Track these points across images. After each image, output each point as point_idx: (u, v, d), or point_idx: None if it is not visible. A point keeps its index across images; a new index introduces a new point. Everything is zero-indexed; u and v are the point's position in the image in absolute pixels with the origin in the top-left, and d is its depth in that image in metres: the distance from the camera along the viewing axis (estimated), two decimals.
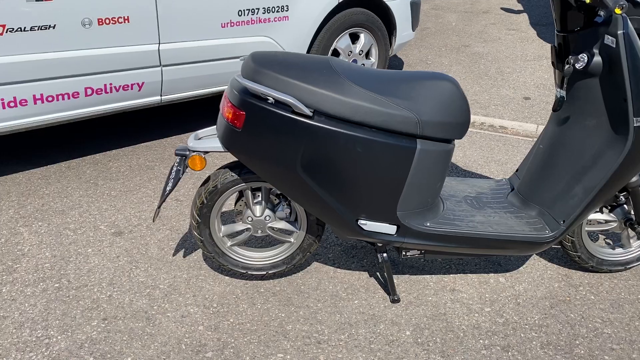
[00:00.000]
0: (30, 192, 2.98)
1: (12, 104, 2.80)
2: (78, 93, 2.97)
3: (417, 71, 2.05)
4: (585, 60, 1.92)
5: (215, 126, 2.13)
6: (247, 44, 3.43)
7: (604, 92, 1.96)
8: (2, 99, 2.77)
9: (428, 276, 2.39)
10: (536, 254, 2.53)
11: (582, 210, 2.07)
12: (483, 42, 5.62)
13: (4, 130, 2.85)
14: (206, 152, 2.03)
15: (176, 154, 2.05)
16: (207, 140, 2.05)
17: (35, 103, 2.86)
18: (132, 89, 3.13)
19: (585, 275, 2.41)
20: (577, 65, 1.94)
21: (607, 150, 1.99)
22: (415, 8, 4.29)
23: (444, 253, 2.17)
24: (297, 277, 2.37)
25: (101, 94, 3.05)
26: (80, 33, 2.86)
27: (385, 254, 2.19)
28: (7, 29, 2.67)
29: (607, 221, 2.31)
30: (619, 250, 2.39)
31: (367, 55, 4.10)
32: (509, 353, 2.01)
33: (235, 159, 2.20)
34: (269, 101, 1.88)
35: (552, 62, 2.09)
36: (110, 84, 3.05)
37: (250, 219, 2.19)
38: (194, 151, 2.02)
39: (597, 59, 1.91)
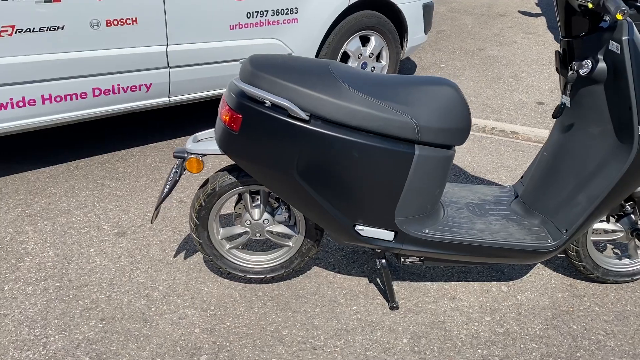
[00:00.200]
0: (38, 190, 3.01)
1: (20, 104, 2.84)
2: (86, 93, 3.00)
3: (418, 76, 2.02)
4: (590, 67, 1.88)
5: (214, 129, 2.13)
6: (256, 46, 3.42)
7: (608, 99, 1.91)
8: (11, 99, 2.80)
9: (429, 283, 2.36)
10: (541, 263, 2.48)
11: (585, 220, 2.02)
12: (498, 46, 5.56)
13: (13, 130, 2.89)
14: (204, 155, 2.03)
15: (174, 156, 2.05)
16: (205, 142, 2.05)
17: (43, 103, 2.89)
18: (139, 89, 3.15)
19: (591, 285, 2.36)
20: (581, 72, 1.90)
21: (612, 159, 1.94)
22: (427, 11, 4.25)
23: (443, 260, 2.14)
24: (297, 282, 2.36)
25: (109, 94, 3.07)
26: (89, 34, 2.88)
27: (384, 260, 2.17)
28: (17, 30, 2.70)
29: (613, 231, 2.26)
30: (625, 260, 2.33)
31: (378, 58, 4.08)
32: None
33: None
34: (266, 105, 1.87)
35: (556, 68, 2.04)
36: (118, 84, 3.08)
37: (248, 222, 2.18)
38: (191, 153, 2.01)
39: (602, 65, 1.87)
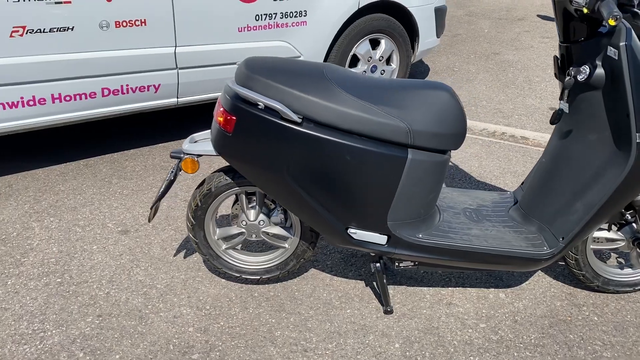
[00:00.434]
0: (47, 188, 3.07)
1: (31, 103, 2.90)
2: (95, 93, 3.05)
3: (414, 80, 2.02)
4: (587, 72, 1.85)
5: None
6: (264, 49, 3.45)
7: (606, 106, 1.88)
8: (22, 98, 2.87)
9: (425, 288, 2.35)
10: (541, 271, 2.45)
11: (582, 228, 1.99)
12: (514, 50, 5.50)
13: (23, 128, 2.95)
14: (199, 156, 2.05)
15: (171, 156, 2.08)
16: (201, 143, 2.08)
17: (53, 102, 2.95)
18: (148, 90, 3.20)
19: (591, 295, 2.32)
20: (579, 77, 1.87)
21: (609, 167, 1.91)
22: (440, 14, 4.23)
23: (438, 265, 2.13)
24: (293, 283, 2.37)
25: (118, 94, 3.12)
26: (98, 35, 2.93)
27: (378, 264, 2.16)
28: (28, 30, 2.77)
29: (614, 240, 2.22)
30: (627, 270, 2.29)
31: (388, 61, 4.07)
32: None
33: None
34: (259, 107, 1.88)
35: (555, 74, 2.02)
36: (127, 85, 3.12)
37: (244, 223, 2.20)
38: (187, 154, 2.04)
39: (600, 71, 1.84)
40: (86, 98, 3.04)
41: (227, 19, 3.27)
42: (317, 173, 1.90)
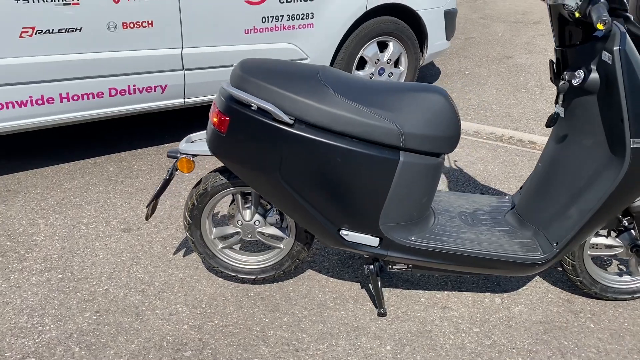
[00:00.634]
0: (54, 185, 3.14)
1: (39, 102, 2.96)
2: (102, 93, 3.10)
3: (409, 83, 2.02)
4: (582, 77, 1.84)
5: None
6: (271, 50, 3.47)
7: (601, 110, 1.86)
8: (31, 97, 2.93)
9: (421, 291, 2.34)
10: (539, 276, 2.43)
11: (577, 233, 1.97)
12: (527, 54, 5.45)
13: (32, 126, 3.02)
14: (195, 155, 2.08)
15: (168, 156, 2.11)
16: (198, 143, 2.10)
17: (61, 101, 3.01)
18: (155, 91, 3.24)
19: (589, 301, 2.29)
20: (574, 82, 1.86)
21: (604, 172, 1.89)
22: (449, 17, 4.22)
23: (431, 269, 2.12)
24: (289, 284, 2.38)
25: (125, 94, 3.17)
26: (106, 36, 2.99)
27: (372, 266, 2.17)
28: (37, 31, 2.83)
29: (612, 246, 2.19)
30: (626, 277, 2.26)
31: (396, 64, 4.07)
32: None
33: None
34: (252, 108, 1.90)
35: (550, 78, 2.00)
36: (134, 85, 3.17)
37: (240, 223, 2.22)
38: (183, 154, 2.07)
39: (594, 75, 1.82)
40: (94, 98, 3.09)
41: (234, 21, 3.30)
42: (308, 174, 1.91)
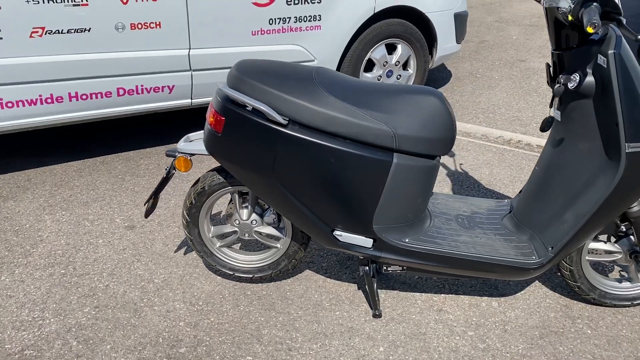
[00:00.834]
0: (63, 182, 3.19)
1: (49, 100, 3.02)
2: (111, 93, 3.16)
3: (405, 85, 2.02)
4: (577, 80, 1.82)
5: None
6: (278, 52, 3.50)
7: (597, 114, 1.85)
8: (40, 96, 2.99)
9: (418, 294, 2.34)
10: (538, 281, 2.41)
11: (572, 238, 1.95)
12: (541, 57, 5.40)
13: (41, 124, 3.08)
14: (192, 155, 2.11)
15: (166, 155, 2.14)
16: (195, 143, 2.13)
17: (70, 100, 3.07)
18: (162, 91, 3.29)
19: (587, 308, 2.27)
20: (569, 85, 1.85)
21: (599, 177, 1.88)
22: (460, 20, 4.20)
23: (425, 271, 2.12)
24: (286, 283, 2.40)
25: (133, 94, 3.22)
26: (114, 36, 3.04)
27: (366, 267, 2.17)
28: (47, 31, 2.89)
29: (611, 252, 2.16)
30: (626, 284, 2.23)
31: (405, 66, 4.06)
32: None
33: None
34: (247, 108, 1.92)
35: (547, 82, 1.99)
36: (142, 85, 3.22)
37: (237, 222, 2.24)
38: (180, 153, 2.10)
39: (590, 79, 1.81)
40: (102, 97, 3.14)
41: (241, 23, 3.33)
42: (302, 174, 1.93)
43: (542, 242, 2.05)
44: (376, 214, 1.98)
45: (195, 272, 2.46)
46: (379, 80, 3.96)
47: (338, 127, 1.88)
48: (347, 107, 1.88)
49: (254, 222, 2.23)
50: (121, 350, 2.05)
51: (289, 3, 3.42)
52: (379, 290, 2.35)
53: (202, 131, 2.22)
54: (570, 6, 1.72)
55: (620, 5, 1.69)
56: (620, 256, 2.17)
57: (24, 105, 2.97)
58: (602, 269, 2.50)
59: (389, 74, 3.98)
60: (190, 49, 3.25)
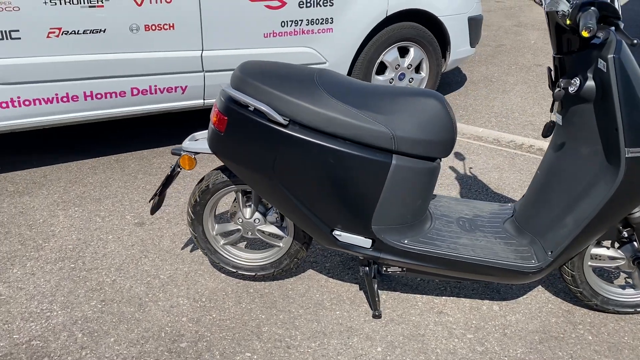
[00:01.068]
0: (77, 179, 3.27)
1: (65, 99, 3.11)
2: (125, 92, 3.23)
3: (406, 87, 2.04)
4: (578, 84, 1.82)
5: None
6: (289, 54, 3.54)
7: (597, 119, 1.84)
8: (57, 94, 3.08)
9: (419, 296, 2.35)
10: (541, 286, 2.40)
11: (571, 242, 1.95)
12: None
13: (57, 122, 3.16)
14: (196, 153, 2.15)
15: (172, 153, 2.19)
16: (201, 142, 2.18)
17: (85, 99, 3.15)
18: (175, 91, 3.35)
19: (590, 314, 2.26)
20: (570, 89, 1.85)
21: (600, 181, 1.87)
22: (474, 24, 4.20)
23: (425, 273, 2.13)
24: (289, 282, 2.43)
25: (146, 94, 3.29)
26: (128, 37, 3.11)
27: (366, 268, 2.19)
28: (63, 32, 2.97)
29: (614, 258, 2.15)
30: (629, 290, 2.21)
31: (418, 69, 4.07)
32: None
33: None
34: (249, 108, 1.96)
35: (548, 85, 1.99)
36: (155, 85, 3.28)
37: (241, 220, 2.28)
38: (185, 151, 2.14)
39: (590, 83, 1.80)
40: (116, 97, 3.22)
41: (253, 25, 3.37)
42: (301, 174, 1.96)
43: (542, 246, 2.05)
44: (375, 214, 1.99)
45: (200, 269, 2.50)
46: (390, 83, 3.98)
47: (337, 128, 1.90)
48: (346, 109, 1.90)
49: (257, 220, 2.27)
50: (124, 343, 2.10)
51: (301, 6, 3.45)
52: (379, 292, 2.37)
53: (207, 131, 2.27)
54: (568, 10, 1.72)
55: (619, 10, 1.68)
56: (623, 262, 2.15)
57: (40, 103, 3.05)
58: (607, 275, 2.48)
59: (401, 77, 3.99)
60: (203, 50, 3.31)
